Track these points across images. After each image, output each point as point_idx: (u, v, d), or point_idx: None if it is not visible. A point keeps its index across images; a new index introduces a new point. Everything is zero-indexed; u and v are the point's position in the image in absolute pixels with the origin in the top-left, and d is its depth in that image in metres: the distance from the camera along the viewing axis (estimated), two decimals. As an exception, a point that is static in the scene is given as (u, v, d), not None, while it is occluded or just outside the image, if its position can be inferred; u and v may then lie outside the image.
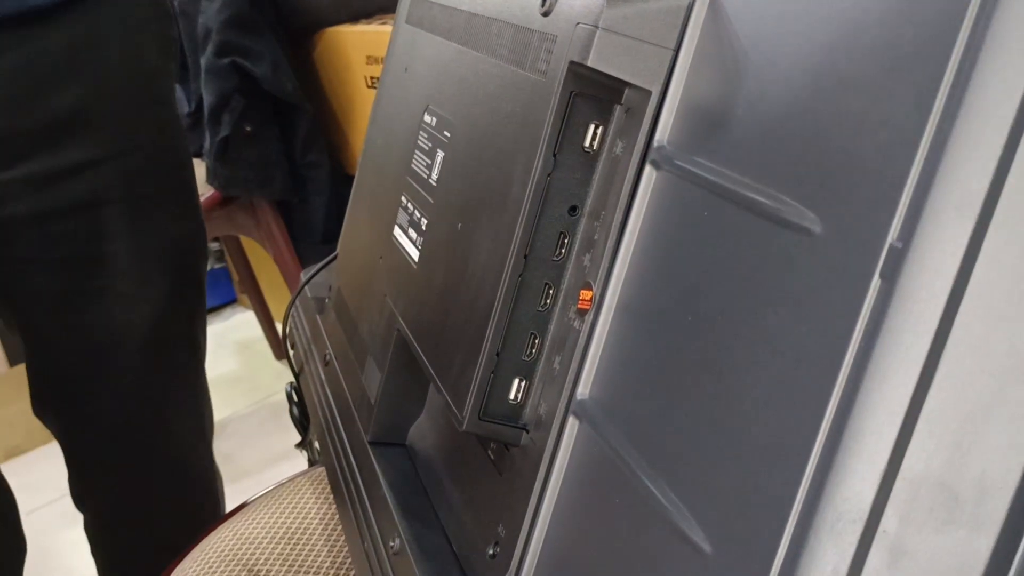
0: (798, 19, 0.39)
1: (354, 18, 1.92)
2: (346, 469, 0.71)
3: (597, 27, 0.47)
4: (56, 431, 1.06)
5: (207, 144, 1.94)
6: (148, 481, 1.08)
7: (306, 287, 0.95)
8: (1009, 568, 0.31)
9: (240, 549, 0.75)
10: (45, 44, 0.81)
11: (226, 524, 0.80)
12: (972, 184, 0.30)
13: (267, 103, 1.92)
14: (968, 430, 0.31)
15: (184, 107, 2.19)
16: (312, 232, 1.92)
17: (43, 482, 1.05)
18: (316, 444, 0.84)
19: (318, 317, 0.90)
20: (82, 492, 1.10)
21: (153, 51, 0.93)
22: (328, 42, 1.92)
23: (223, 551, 0.76)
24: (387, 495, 0.62)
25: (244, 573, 0.73)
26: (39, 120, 0.83)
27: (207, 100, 1.93)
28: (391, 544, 0.59)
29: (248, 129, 1.89)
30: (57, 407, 1.03)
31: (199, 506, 1.12)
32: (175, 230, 0.98)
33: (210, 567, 0.75)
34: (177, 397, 1.07)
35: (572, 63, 0.48)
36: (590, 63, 0.47)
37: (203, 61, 1.94)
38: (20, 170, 0.84)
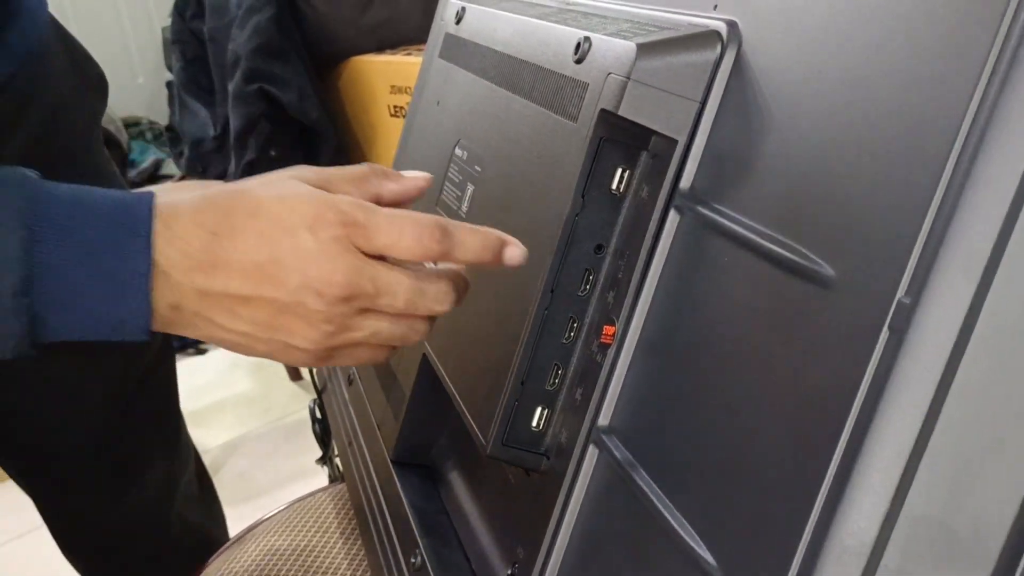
0: (820, 80, 0.42)
1: (379, 48, 1.96)
2: (368, 486, 0.74)
3: (628, 78, 0.49)
4: (25, 487, 1.06)
5: (232, 167, 1.97)
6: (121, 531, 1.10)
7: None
8: (1001, 604, 0.33)
9: (264, 561, 0.78)
10: None
11: (249, 536, 0.83)
12: (977, 246, 0.33)
13: (292, 129, 1.96)
14: (967, 473, 0.33)
15: (209, 131, 2.22)
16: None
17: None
18: (337, 461, 0.86)
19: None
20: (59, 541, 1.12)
21: (83, 116, 0.93)
22: (353, 71, 1.96)
23: (247, 563, 0.79)
24: (409, 513, 0.64)
25: None
26: None
27: (234, 124, 1.97)
28: (412, 560, 0.61)
29: (273, 154, 1.93)
30: (18, 453, 1.03)
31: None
32: None
33: None
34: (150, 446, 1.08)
35: (603, 111, 0.51)
36: (621, 112, 0.49)
37: (231, 87, 1.97)
38: None
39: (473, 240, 0.51)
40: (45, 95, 0.85)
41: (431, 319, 0.54)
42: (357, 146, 1.99)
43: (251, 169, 1.91)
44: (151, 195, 0.50)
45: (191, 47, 2.23)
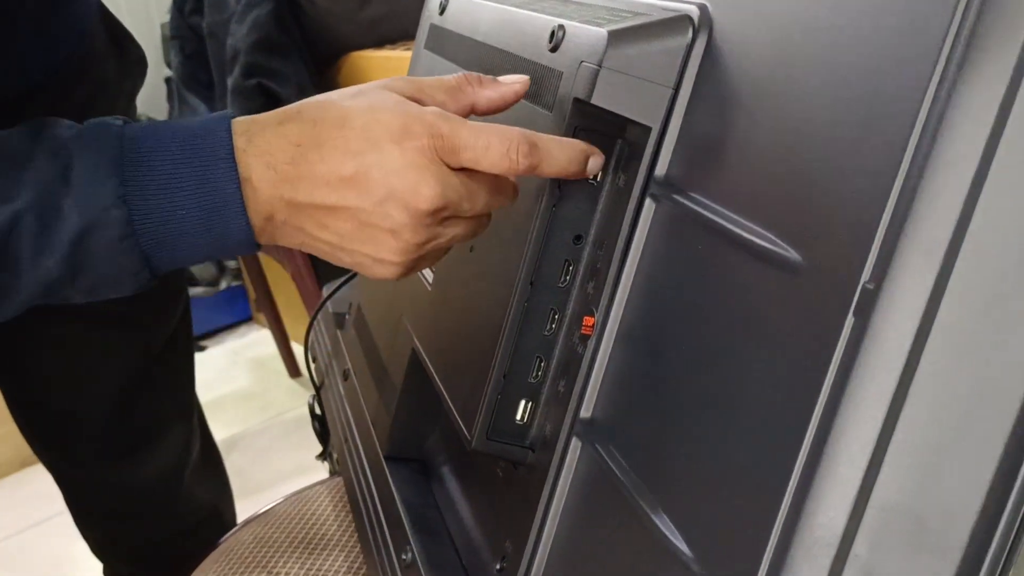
0: (787, 64, 0.41)
1: (379, 43, 1.95)
2: (362, 482, 0.73)
3: (600, 67, 0.49)
4: (47, 463, 1.10)
5: (230, 163, 1.97)
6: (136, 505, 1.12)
7: (328, 302, 0.97)
8: (971, 591, 0.33)
9: (259, 552, 0.78)
10: (36, 105, 0.83)
11: (246, 529, 0.83)
12: (937, 232, 0.32)
13: (292, 126, 1.95)
14: (934, 461, 0.33)
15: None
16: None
17: (58, 491, 1.08)
18: (336, 456, 0.86)
19: (338, 332, 0.92)
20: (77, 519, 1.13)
21: (124, 95, 0.97)
22: (353, 66, 1.95)
23: (243, 554, 0.79)
24: (400, 509, 0.64)
25: (264, 574, 0.76)
26: None
27: (233, 119, 1.96)
28: (403, 557, 0.61)
29: (272, 150, 1.92)
30: (45, 431, 1.07)
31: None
32: None
33: (231, 569, 0.78)
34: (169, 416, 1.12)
35: (576, 100, 0.50)
36: (594, 101, 0.49)
37: (230, 82, 1.97)
38: None
39: (560, 152, 0.50)
40: (90, 74, 0.88)
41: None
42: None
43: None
44: (227, 116, 0.51)
45: (190, 42, 2.23)
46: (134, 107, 1.01)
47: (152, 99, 2.51)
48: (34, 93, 0.83)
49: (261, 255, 2.24)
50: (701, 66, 0.47)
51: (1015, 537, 0.32)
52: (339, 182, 0.49)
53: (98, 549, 1.15)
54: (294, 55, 1.95)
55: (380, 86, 0.52)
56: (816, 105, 0.39)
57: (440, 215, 0.50)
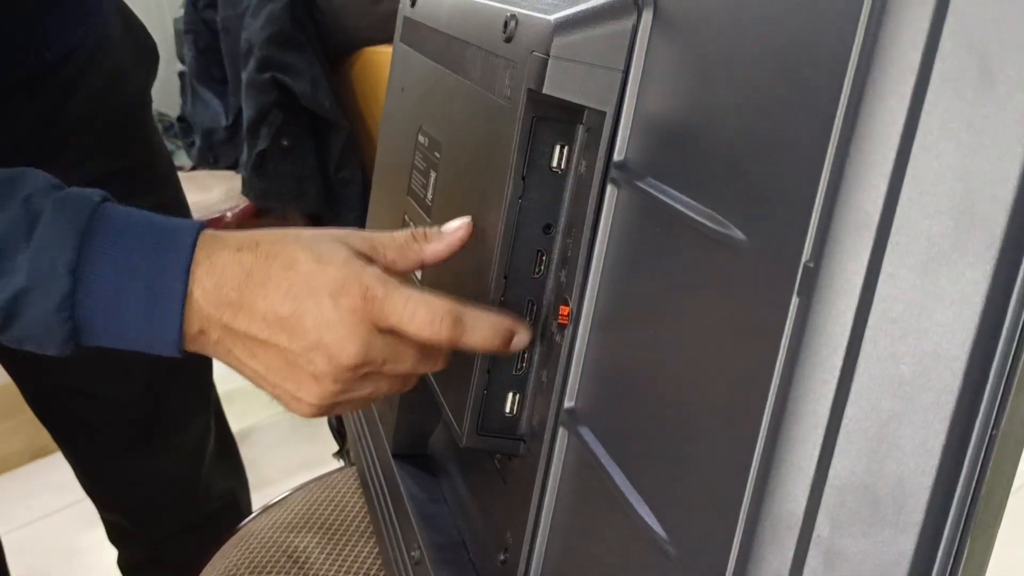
0: (723, 41, 0.41)
1: (392, 39, 1.95)
2: (374, 479, 0.74)
3: (548, 56, 0.48)
4: (66, 452, 1.12)
5: (244, 156, 1.98)
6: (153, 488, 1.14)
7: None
8: (932, 564, 0.32)
9: (280, 537, 0.79)
10: (46, 91, 0.85)
11: (265, 514, 0.84)
12: (868, 206, 0.32)
13: (305, 119, 1.96)
14: (884, 436, 0.32)
15: (221, 120, 2.24)
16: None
17: (69, 482, 1.10)
18: (352, 453, 0.87)
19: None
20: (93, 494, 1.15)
21: (139, 83, 0.98)
22: (366, 61, 1.95)
23: (264, 539, 0.80)
24: (408, 506, 0.65)
25: (285, 559, 0.77)
26: (31, 156, 0.87)
27: (246, 113, 1.97)
28: (412, 554, 0.62)
29: (285, 143, 1.93)
30: (66, 422, 1.08)
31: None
32: None
33: (252, 553, 0.79)
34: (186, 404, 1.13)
35: (529, 90, 0.50)
36: (545, 90, 0.49)
37: (244, 76, 1.98)
38: None
39: (485, 329, 0.53)
40: (105, 60, 0.89)
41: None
42: (368, 137, 1.99)
43: (263, 159, 1.92)
44: (198, 226, 0.54)
45: (204, 37, 2.24)
46: (149, 99, 1.02)
47: (165, 94, 2.53)
48: (48, 76, 0.84)
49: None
50: (649, 46, 0.47)
51: (970, 507, 0.32)
52: (275, 320, 0.52)
53: (116, 536, 1.17)
54: (308, 49, 1.96)
55: (338, 238, 0.55)
56: (752, 79, 0.38)
57: (361, 371, 0.53)
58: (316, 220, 2.01)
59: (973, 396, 0.31)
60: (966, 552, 0.32)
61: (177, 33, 2.44)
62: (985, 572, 0.33)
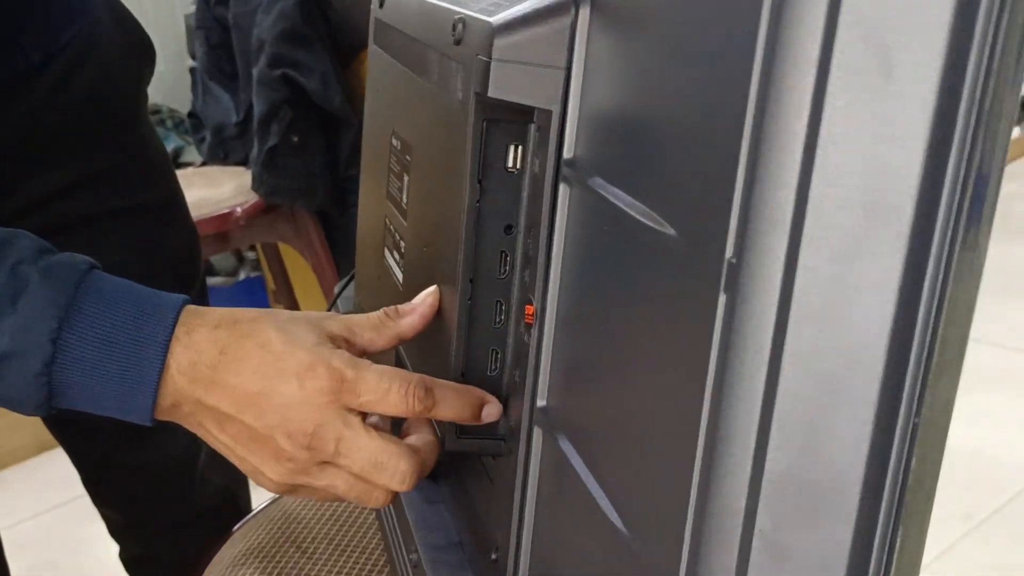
0: (652, 40, 0.41)
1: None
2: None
3: (491, 59, 0.48)
4: (63, 444, 1.13)
5: (254, 152, 2.00)
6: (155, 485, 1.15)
7: (338, 301, 0.99)
8: (870, 553, 0.32)
9: (288, 527, 0.81)
10: (31, 92, 0.85)
11: (274, 505, 0.86)
12: (781, 201, 0.32)
13: (315, 115, 1.98)
14: (815, 429, 0.32)
15: (232, 116, 2.25)
16: (350, 243, 1.96)
17: (76, 475, 1.12)
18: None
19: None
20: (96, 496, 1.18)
21: (131, 80, 0.98)
22: (376, 58, 1.96)
23: (271, 528, 0.82)
24: (406, 508, 0.65)
25: (292, 549, 0.78)
26: (22, 156, 0.87)
27: (257, 109, 1.99)
28: (411, 556, 0.62)
29: (295, 140, 1.95)
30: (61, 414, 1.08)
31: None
32: (172, 240, 1.03)
33: (260, 541, 0.80)
34: None
35: (476, 93, 0.50)
36: (491, 94, 0.49)
37: (255, 72, 2.00)
38: (14, 197, 0.88)
39: (455, 400, 0.54)
40: (93, 61, 0.90)
41: (393, 492, 0.57)
42: (377, 133, 2.00)
43: (272, 155, 1.94)
44: (180, 301, 0.56)
45: (215, 33, 2.26)
46: (144, 95, 1.02)
47: (176, 89, 2.55)
48: (34, 77, 0.84)
49: (281, 245, 2.27)
50: (589, 42, 0.47)
51: (900, 495, 0.32)
52: (243, 397, 0.54)
53: (115, 530, 1.19)
54: (319, 47, 1.97)
55: (313, 323, 0.56)
56: (675, 76, 0.38)
57: (315, 454, 0.54)
58: (324, 216, 2.02)
59: (895, 385, 0.31)
60: (899, 540, 0.32)
61: (188, 29, 2.46)
62: (920, 559, 0.33)
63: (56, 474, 1.82)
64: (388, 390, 0.53)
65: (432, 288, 0.58)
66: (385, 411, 0.54)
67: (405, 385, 0.53)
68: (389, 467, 0.55)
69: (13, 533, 1.05)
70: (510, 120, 0.51)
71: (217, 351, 0.54)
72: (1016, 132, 3.50)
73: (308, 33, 1.97)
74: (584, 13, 0.46)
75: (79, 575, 1.83)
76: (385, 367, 0.55)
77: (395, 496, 0.58)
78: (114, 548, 1.21)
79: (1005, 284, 2.60)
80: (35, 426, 1.11)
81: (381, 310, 0.59)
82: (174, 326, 0.54)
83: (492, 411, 0.54)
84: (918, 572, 0.33)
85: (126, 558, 1.21)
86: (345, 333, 0.57)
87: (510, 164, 0.52)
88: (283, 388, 0.53)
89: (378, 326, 0.58)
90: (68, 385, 0.54)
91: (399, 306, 0.59)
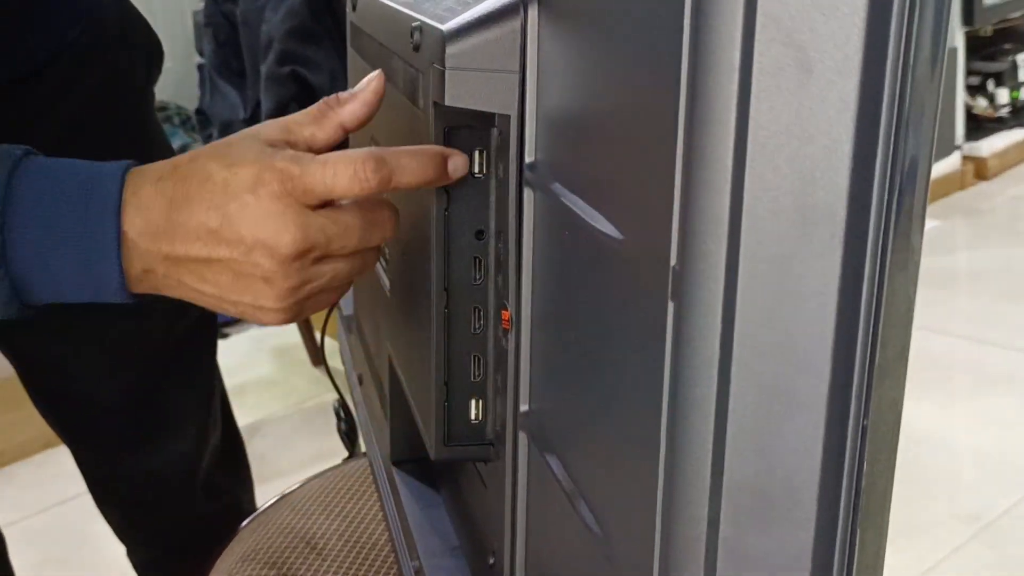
0: (596, 42, 0.40)
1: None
2: (379, 486, 0.75)
3: (444, 67, 0.48)
4: (68, 445, 1.14)
5: (263, 149, 2.00)
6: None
7: (340, 304, 0.99)
8: (832, 556, 0.32)
9: (298, 523, 0.81)
10: (37, 92, 0.85)
11: (283, 501, 0.86)
12: (717, 207, 0.31)
13: (322, 112, 1.98)
14: (768, 436, 0.32)
15: (239, 113, 2.26)
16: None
17: None
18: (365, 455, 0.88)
19: (349, 336, 0.94)
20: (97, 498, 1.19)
21: (138, 80, 0.98)
22: (384, 57, 1.96)
23: (281, 524, 0.82)
24: (408, 515, 0.65)
25: (303, 545, 0.79)
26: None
27: (265, 106, 2.00)
28: (413, 563, 0.62)
29: (304, 136, 1.95)
30: (63, 416, 1.10)
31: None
32: None
33: (269, 538, 0.81)
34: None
35: (434, 102, 0.50)
36: (447, 102, 0.48)
37: (263, 68, 2.00)
38: None
39: (411, 161, 0.51)
40: (99, 61, 0.90)
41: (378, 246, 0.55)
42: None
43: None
44: (123, 166, 0.53)
45: (223, 30, 2.26)
46: (151, 95, 1.02)
47: (183, 86, 2.56)
48: (40, 75, 0.84)
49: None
50: (540, 44, 0.46)
51: (855, 498, 0.31)
52: (208, 235, 0.51)
53: (119, 533, 1.20)
54: (327, 44, 1.97)
55: (249, 135, 0.53)
56: (616, 80, 0.38)
57: (309, 256, 0.51)
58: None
59: (843, 388, 0.31)
60: (859, 542, 0.32)
61: (196, 26, 2.46)
62: (883, 559, 0.32)
63: (63, 470, 1.83)
64: (336, 172, 0.50)
65: (376, 73, 0.55)
66: (341, 195, 0.51)
67: (352, 163, 0.50)
68: (378, 219, 0.53)
69: (19, 529, 1.06)
70: (472, 126, 0.50)
71: (166, 201, 0.51)
72: (1022, 134, 3.45)
73: (316, 30, 1.98)
74: (533, 14, 0.46)
75: (85, 571, 1.84)
76: (329, 154, 0.52)
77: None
78: (121, 544, 1.22)
79: (1012, 287, 2.59)
80: (41, 422, 1.12)
81: (321, 100, 0.56)
82: (120, 191, 0.52)
83: (458, 162, 0.51)
84: (881, 570, 0.32)
85: (134, 560, 1.22)
86: (283, 135, 0.54)
87: (476, 169, 0.51)
88: (242, 209, 0.50)
89: (318, 118, 0.55)
90: (28, 275, 0.52)
91: (340, 94, 0.56)
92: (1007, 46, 3.48)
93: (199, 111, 2.43)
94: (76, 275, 0.52)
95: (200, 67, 2.42)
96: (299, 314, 0.54)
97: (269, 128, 0.54)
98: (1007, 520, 1.71)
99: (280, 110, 1.98)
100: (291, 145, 0.53)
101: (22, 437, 2.14)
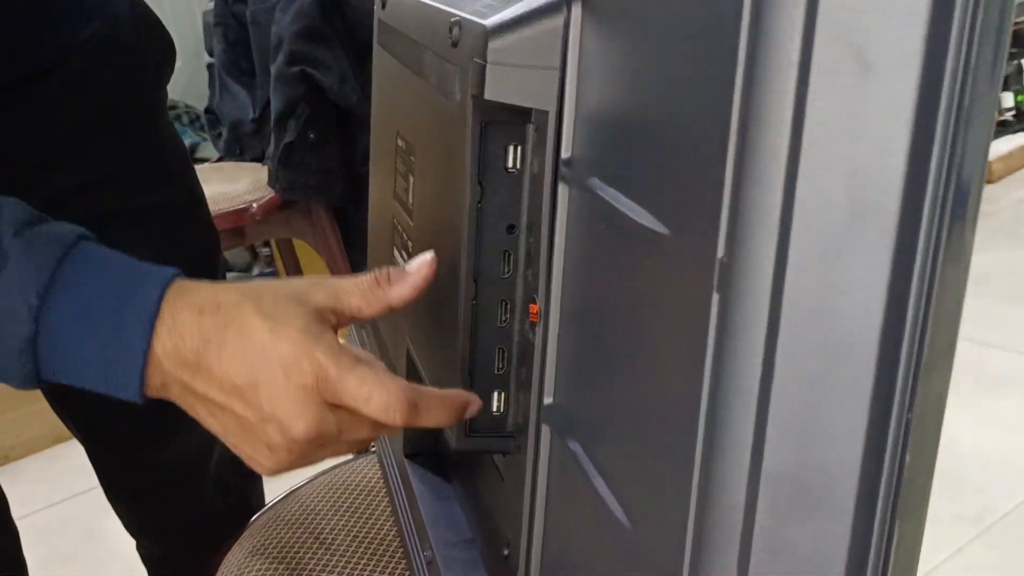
0: (643, 40, 0.41)
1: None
2: (390, 479, 0.75)
3: (486, 62, 0.49)
4: (80, 440, 1.14)
5: (271, 148, 2.01)
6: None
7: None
8: (868, 547, 0.33)
9: (306, 519, 0.82)
10: (47, 90, 0.85)
11: (291, 497, 0.87)
12: (768, 201, 0.32)
13: (331, 113, 1.98)
14: (809, 426, 0.33)
15: (248, 113, 2.26)
16: (365, 239, 1.97)
17: (91, 467, 1.14)
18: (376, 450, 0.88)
19: (360, 330, 0.94)
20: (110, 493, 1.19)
21: (150, 79, 0.98)
22: (392, 56, 1.97)
23: (290, 519, 0.83)
24: (420, 507, 0.66)
25: (311, 540, 0.80)
26: (39, 154, 0.88)
27: (274, 106, 2.00)
28: (425, 554, 0.63)
29: (312, 136, 1.96)
30: (76, 410, 1.10)
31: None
32: (190, 241, 1.03)
33: (278, 533, 0.82)
34: None
35: (473, 96, 0.50)
36: (487, 96, 0.49)
37: (273, 68, 2.01)
38: (32, 194, 0.88)
39: (440, 412, 0.53)
40: (110, 61, 0.90)
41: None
42: (393, 131, 2.01)
43: (289, 151, 1.95)
44: (166, 278, 0.54)
45: (233, 30, 2.27)
46: (164, 94, 1.02)
47: (192, 86, 2.57)
48: (52, 75, 0.84)
49: (296, 241, 2.28)
50: (582, 42, 0.47)
51: (896, 490, 0.32)
52: (231, 388, 0.52)
53: (129, 527, 1.20)
54: (336, 44, 1.98)
55: (299, 298, 0.54)
56: (665, 76, 0.38)
57: (315, 443, 0.53)
58: (340, 213, 2.03)
59: (887, 382, 0.31)
60: (897, 534, 0.32)
61: (206, 26, 2.47)
62: (919, 552, 0.33)
63: (72, 465, 1.83)
64: (371, 398, 0.52)
65: (428, 256, 0.56)
66: (367, 415, 0.53)
67: (389, 398, 0.52)
68: (388, 425, 0.54)
69: (28, 523, 1.06)
70: (508, 121, 0.51)
71: (200, 338, 0.52)
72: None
73: (326, 31, 1.98)
74: (576, 12, 0.47)
75: (94, 566, 1.85)
76: (368, 370, 0.53)
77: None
78: (130, 540, 1.22)
79: (1016, 289, 2.60)
80: (52, 417, 1.12)
81: (371, 273, 0.56)
82: (159, 305, 0.52)
83: (474, 408, 0.54)
84: (916, 564, 0.33)
85: (144, 554, 1.23)
86: (332, 302, 0.55)
87: (510, 164, 0.52)
88: (269, 381, 0.52)
89: (367, 293, 0.56)
90: (53, 362, 0.53)
91: (392, 270, 0.56)
92: (1013, 50, 3.50)
93: (208, 110, 2.44)
94: (99, 372, 0.53)
95: (209, 67, 2.42)
96: (287, 470, 0.56)
97: (319, 292, 0.55)
98: (1009, 522, 1.72)
99: (289, 110, 1.98)
100: (337, 314, 0.55)
101: (31, 433, 2.14)
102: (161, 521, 1.18)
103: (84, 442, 1.12)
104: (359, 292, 0.56)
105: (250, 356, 0.52)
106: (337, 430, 0.53)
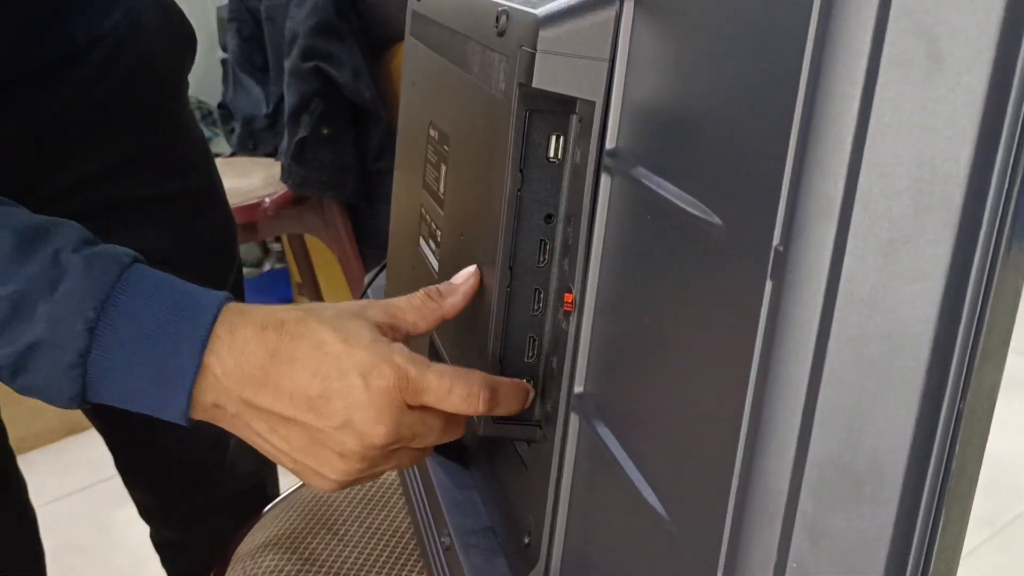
0: (699, 32, 0.41)
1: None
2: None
3: (535, 50, 0.49)
4: (98, 427, 1.15)
5: (284, 144, 2.02)
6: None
7: (368, 291, 1.00)
8: (912, 536, 0.33)
9: (319, 510, 0.82)
10: (76, 75, 0.86)
11: (305, 487, 0.87)
12: (830, 190, 0.32)
13: (345, 108, 1.99)
14: (858, 414, 0.33)
15: (262, 108, 2.27)
16: (378, 236, 1.99)
17: (103, 458, 1.12)
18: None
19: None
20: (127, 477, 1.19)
21: (172, 67, 0.99)
22: (407, 53, 1.98)
23: (303, 509, 0.83)
24: (438, 493, 0.66)
25: (324, 531, 0.80)
26: (63, 139, 0.88)
27: (288, 101, 2.01)
28: (443, 540, 0.63)
29: (325, 132, 1.97)
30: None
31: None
32: (208, 229, 1.03)
33: (291, 523, 0.82)
34: None
35: (520, 84, 0.51)
36: (535, 84, 0.49)
37: (287, 64, 2.02)
38: (54, 179, 0.89)
39: (514, 398, 0.55)
40: (135, 47, 0.90)
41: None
42: (408, 128, 2.02)
43: (303, 146, 1.95)
44: (220, 300, 0.55)
45: (247, 25, 2.28)
46: (186, 84, 1.03)
47: (207, 81, 2.57)
48: (78, 60, 0.85)
49: (307, 237, 2.29)
50: (633, 34, 0.47)
51: (943, 480, 0.32)
52: (303, 399, 0.53)
53: (145, 513, 1.21)
54: (351, 40, 2.00)
55: (360, 316, 0.55)
56: (723, 67, 0.39)
57: (390, 448, 0.54)
58: (352, 209, 2.03)
59: (940, 371, 0.32)
60: (942, 524, 0.33)
61: (220, 21, 2.48)
62: (962, 544, 0.33)
63: (82, 457, 1.83)
64: (452, 390, 0.53)
65: (472, 267, 0.59)
66: (448, 409, 0.54)
67: (468, 386, 0.53)
68: (455, 427, 0.56)
69: (39, 515, 1.06)
70: (552, 110, 0.52)
71: (267, 353, 0.53)
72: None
73: (340, 27, 1.99)
74: (628, 5, 0.47)
75: (104, 558, 1.85)
76: (444, 366, 0.54)
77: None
78: (139, 531, 1.23)
79: None
80: (62, 410, 1.12)
81: (421, 291, 0.58)
82: (212, 324, 0.53)
83: (531, 396, 0.56)
84: (959, 555, 0.34)
85: (157, 540, 1.23)
86: (388, 319, 0.56)
87: (551, 154, 0.53)
88: (345, 389, 0.52)
89: (420, 308, 0.58)
90: (102, 378, 0.53)
91: (439, 286, 0.59)
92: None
93: (222, 105, 2.45)
94: (147, 394, 0.54)
95: (223, 62, 2.43)
96: (347, 486, 0.57)
97: (375, 310, 0.56)
98: (1020, 524, 1.72)
99: (303, 105, 1.99)
100: (394, 330, 0.56)
101: (41, 426, 2.14)
102: (177, 507, 1.18)
103: (102, 428, 1.12)
104: (413, 308, 0.58)
105: (324, 366, 0.53)
106: (411, 434, 0.54)
